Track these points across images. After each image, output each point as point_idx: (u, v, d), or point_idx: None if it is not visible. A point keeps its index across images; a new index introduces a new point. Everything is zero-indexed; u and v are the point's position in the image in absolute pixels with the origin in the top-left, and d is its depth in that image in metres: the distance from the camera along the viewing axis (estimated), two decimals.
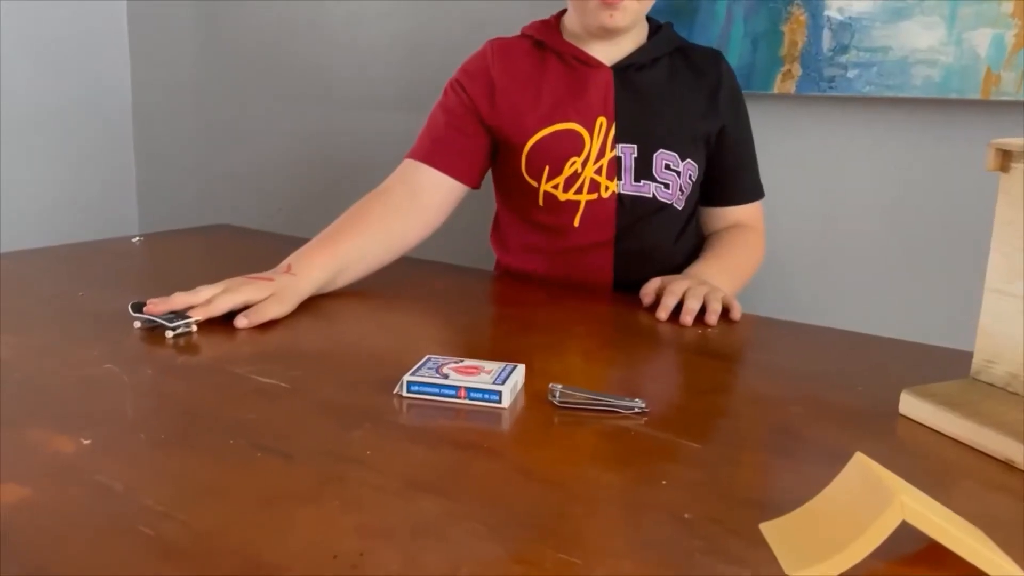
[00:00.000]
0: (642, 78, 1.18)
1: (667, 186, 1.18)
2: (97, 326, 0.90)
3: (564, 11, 1.23)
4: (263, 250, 1.39)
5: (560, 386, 0.73)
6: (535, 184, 1.18)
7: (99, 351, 0.82)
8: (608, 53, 1.18)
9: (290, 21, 1.97)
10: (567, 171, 1.16)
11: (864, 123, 1.36)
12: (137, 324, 0.90)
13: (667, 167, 1.18)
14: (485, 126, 1.19)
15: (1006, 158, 0.70)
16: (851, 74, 1.30)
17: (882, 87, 1.29)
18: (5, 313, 0.94)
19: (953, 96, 1.24)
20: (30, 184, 2.11)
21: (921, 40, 1.25)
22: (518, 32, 1.25)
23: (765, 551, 0.50)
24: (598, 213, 1.17)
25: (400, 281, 1.17)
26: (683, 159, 1.19)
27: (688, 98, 1.20)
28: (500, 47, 1.22)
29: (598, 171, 1.16)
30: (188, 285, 1.01)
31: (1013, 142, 0.69)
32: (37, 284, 1.09)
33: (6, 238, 2.01)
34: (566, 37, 1.20)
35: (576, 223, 1.17)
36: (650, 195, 1.18)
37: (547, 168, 1.16)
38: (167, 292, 0.92)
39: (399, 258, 1.18)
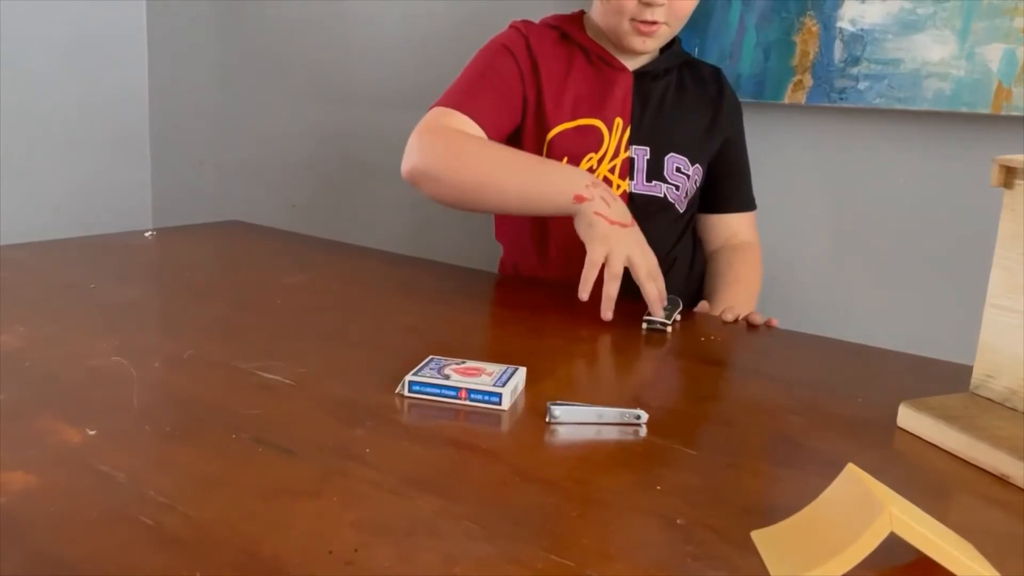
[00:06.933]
0: (655, 87, 1.24)
1: (677, 188, 1.24)
2: (107, 318, 0.92)
3: (583, 11, 1.28)
4: (275, 247, 1.40)
5: (558, 410, 0.70)
6: None
7: (108, 343, 0.83)
8: (628, 58, 1.23)
9: (307, 20, 1.98)
10: (583, 166, 1.19)
11: (874, 135, 1.36)
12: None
13: (678, 170, 1.23)
14: (523, 98, 1.21)
15: (1010, 175, 0.70)
16: (862, 86, 1.31)
17: (893, 99, 1.29)
18: (17, 303, 0.95)
19: (964, 110, 1.24)
20: (47, 177, 2.13)
21: (933, 53, 1.25)
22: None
23: (757, 558, 0.50)
24: None
25: (405, 282, 1.18)
26: (692, 163, 1.24)
27: (695, 111, 1.26)
28: (533, 30, 1.24)
29: (611, 170, 1.20)
30: (199, 281, 1.02)
31: (1017, 159, 0.69)
32: (50, 275, 1.11)
33: (21, 230, 2.03)
34: (590, 35, 1.25)
35: None
36: (661, 195, 1.22)
37: (565, 160, 1.19)
38: (178, 287, 0.93)
39: (404, 259, 1.18)
